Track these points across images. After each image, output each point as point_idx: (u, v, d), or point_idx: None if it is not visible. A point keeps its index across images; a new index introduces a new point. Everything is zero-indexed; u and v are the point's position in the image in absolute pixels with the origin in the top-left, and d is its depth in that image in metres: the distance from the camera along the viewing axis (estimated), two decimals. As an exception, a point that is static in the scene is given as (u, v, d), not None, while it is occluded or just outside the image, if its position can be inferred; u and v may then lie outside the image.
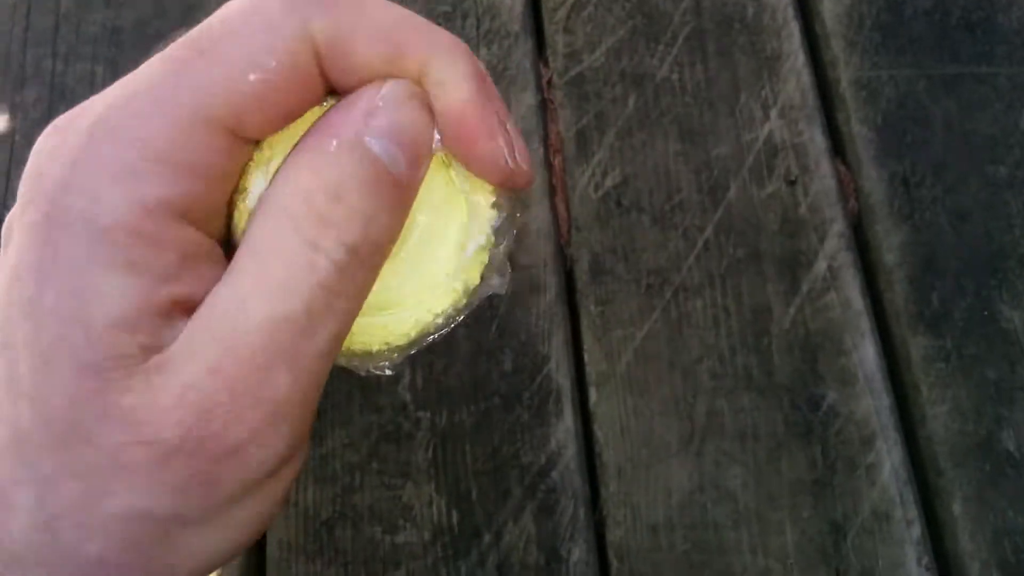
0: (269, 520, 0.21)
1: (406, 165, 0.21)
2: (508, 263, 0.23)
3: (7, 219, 0.20)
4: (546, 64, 0.54)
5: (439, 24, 0.52)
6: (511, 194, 0.23)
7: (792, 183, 0.50)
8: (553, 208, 0.49)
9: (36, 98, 0.49)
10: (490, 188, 0.23)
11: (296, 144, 0.21)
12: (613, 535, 0.42)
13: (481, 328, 0.46)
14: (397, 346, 0.22)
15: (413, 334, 0.22)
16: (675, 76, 0.53)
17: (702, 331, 0.46)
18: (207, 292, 0.20)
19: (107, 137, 0.19)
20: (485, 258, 0.22)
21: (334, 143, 0.20)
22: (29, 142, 0.48)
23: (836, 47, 0.55)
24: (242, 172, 0.21)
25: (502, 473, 0.43)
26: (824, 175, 0.50)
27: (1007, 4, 0.56)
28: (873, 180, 0.51)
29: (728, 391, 0.45)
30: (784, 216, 0.49)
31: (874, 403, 0.45)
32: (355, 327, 0.21)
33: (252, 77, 0.20)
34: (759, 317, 0.47)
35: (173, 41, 0.21)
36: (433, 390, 0.44)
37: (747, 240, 0.49)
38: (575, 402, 0.45)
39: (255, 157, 0.22)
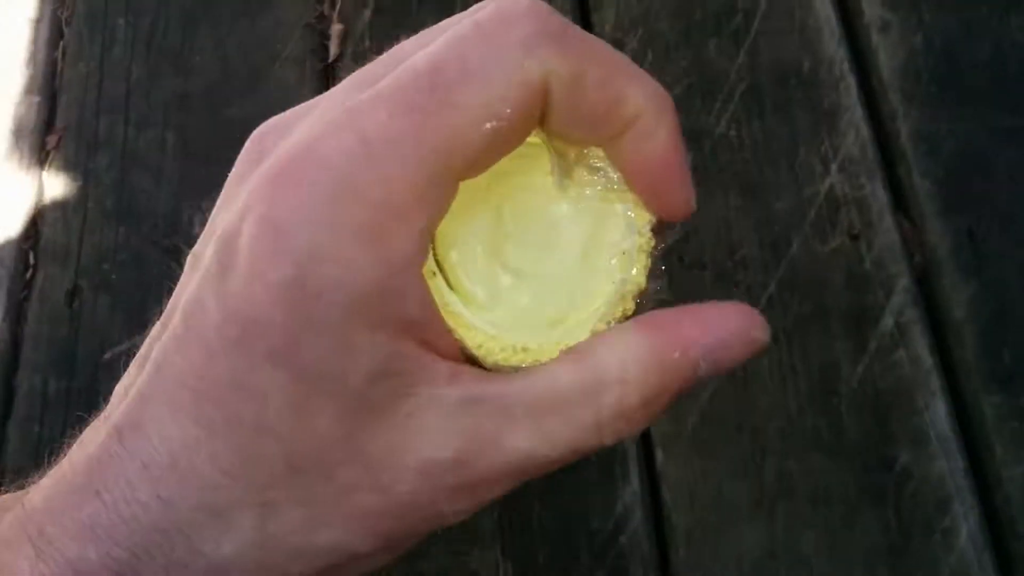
0: None
1: (703, 383, 0.22)
2: (662, 265, 0.23)
3: (225, 246, 0.20)
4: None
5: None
6: None
7: (855, 238, 0.50)
8: (614, 266, 0.49)
9: (108, 164, 0.51)
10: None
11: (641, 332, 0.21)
12: (684, 601, 0.42)
13: (545, 389, 0.45)
14: None
15: None
16: (732, 132, 0.53)
17: (769, 390, 0.46)
18: (443, 335, 0.21)
19: (355, 199, 0.19)
20: (647, 262, 0.22)
21: (677, 355, 0.21)
22: (101, 209, 0.49)
23: (894, 100, 0.54)
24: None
25: (570, 538, 0.42)
26: (887, 229, 0.50)
27: (1067, 54, 0.56)
28: (938, 234, 0.50)
29: (798, 452, 0.44)
30: (848, 271, 0.49)
31: (948, 465, 0.44)
32: (534, 346, 0.21)
33: (488, 126, 0.20)
34: (827, 375, 0.46)
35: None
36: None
37: (811, 296, 0.48)
38: (641, 464, 0.44)
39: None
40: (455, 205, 0.20)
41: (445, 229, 0.21)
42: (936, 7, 0.58)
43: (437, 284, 0.21)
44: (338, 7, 0.56)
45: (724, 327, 0.21)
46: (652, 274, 0.22)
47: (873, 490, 0.43)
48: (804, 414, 0.45)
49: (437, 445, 0.20)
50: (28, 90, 0.53)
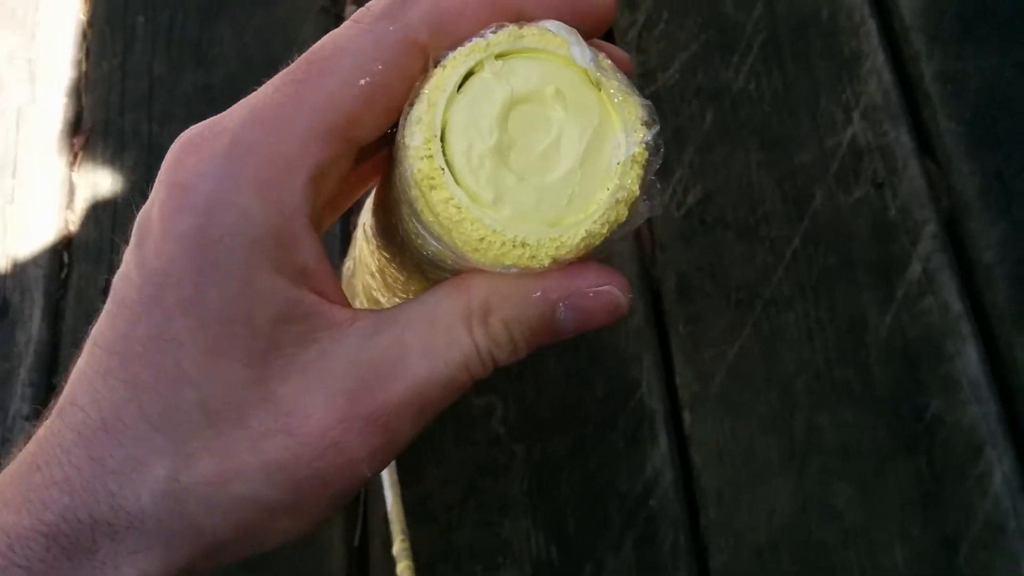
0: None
1: (570, 332, 0.24)
2: (657, 183, 0.24)
3: (142, 220, 0.22)
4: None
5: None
6: (656, 117, 0.24)
7: (880, 186, 0.49)
8: (636, 230, 0.49)
9: (135, 162, 0.52)
10: (641, 105, 0.24)
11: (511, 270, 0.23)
12: (716, 561, 0.42)
13: (570, 354, 0.46)
14: (567, 259, 0.23)
15: (583, 246, 0.23)
16: (752, 86, 0.53)
17: (796, 345, 0.46)
18: (337, 288, 0.23)
19: (246, 154, 0.21)
20: (640, 172, 0.24)
21: (538, 294, 0.23)
22: (130, 204, 0.51)
23: (917, 42, 0.53)
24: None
25: (600, 503, 0.43)
26: (913, 175, 0.49)
27: (1098, -19, 0.54)
28: (965, 176, 0.49)
29: (827, 406, 0.44)
30: (873, 221, 0.48)
31: (980, 410, 0.43)
32: (532, 241, 0.23)
33: (362, 82, 0.22)
34: (854, 327, 0.46)
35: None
36: (526, 421, 0.45)
37: (836, 248, 0.48)
38: (669, 426, 0.44)
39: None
40: (466, 112, 0.23)
41: (456, 131, 0.23)
42: (960, -58, 0.56)
43: (446, 179, 0.22)
44: (350, -12, 0.57)
45: (584, 279, 0.23)
46: (646, 188, 0.24)
47: (904, 439, 0.43)
48: (832, 367, 0.45)
49: (341, 380, 0.22)
50: (55, 92, 0.54)
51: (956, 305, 0.46)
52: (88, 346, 0.22)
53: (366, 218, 0.31)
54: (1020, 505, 0.42)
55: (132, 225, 0.23)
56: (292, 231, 0.22)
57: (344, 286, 0.36)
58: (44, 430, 0.22)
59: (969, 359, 0.45)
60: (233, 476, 0.21)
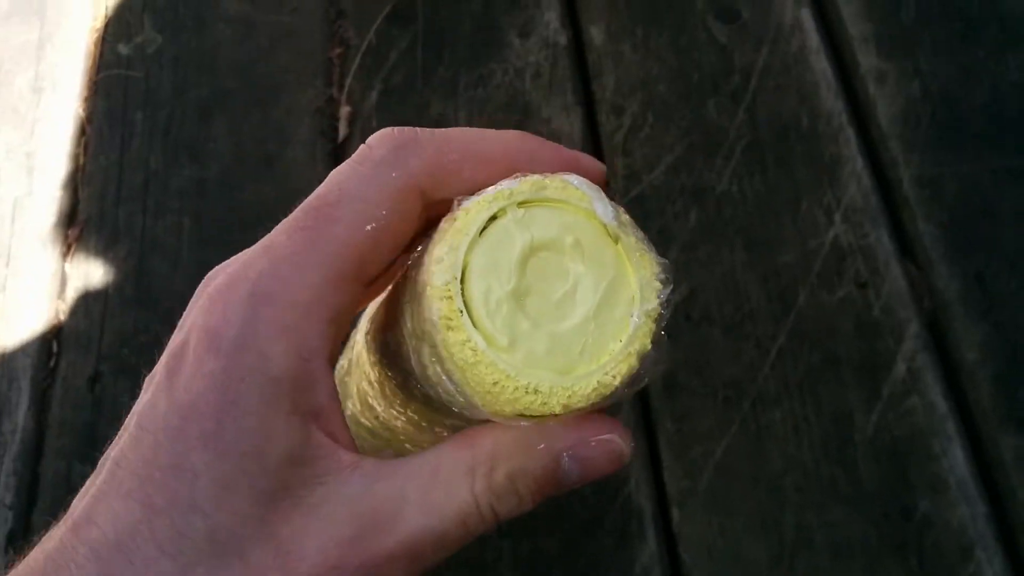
0: None
1: (573, 482, 0.25)
2: (666, 337, 0.24)
3: (173, 357, 0.24)
4: (608, 187, 0.55)
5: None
6: (671, 273, 0.25)
7: (862, 286, 0.50)
8: (623, 327, 0.50)
9: (128, 252, 0.53)
10: (657, 263, 0.25)
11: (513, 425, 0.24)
12: (707, 661, 0.41)
13: (559, 452, 0.46)
14: (577, 408, 0.23)
15: (594, 396, 0.23)
16: (735, 188, 0.54)
17: (783, 443, 0.46)
18: (345, 429, 0.24)
19: (266, 302, 0.23)
20: (653, 327, 0.24)
21: (542, 446, 0.24)
22: (122, 295, 0.51)
23: (894, 148, 0.55)
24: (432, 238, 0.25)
25: (589, 600, 0.42)
26: (895, 276, 0.50)
27: (1065, 91, 0.56)
28: (946, 278, 0.50)
29: (816, 504, 0.44)
30: (857, 320, 0.49)
31: (969, 510, 0.43)
32: (544, 388, 0.23)
33: (368, 228, 0.24)
34: (841, 425, 0.46)
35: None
36: (518, 521, 0.44)
37: (822, 346, 0.48)
38: (658, 523, 0.44)
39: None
40: (487, 256, 0.24)
41: (475, 274, 0.24)
42: (932, 53, 0.58)
43: (463, 321, 0.23)
44: (346, 90, 0.59)
45: (587, 430, 0.24)
46: (657, 342, 0.24)
47: (894, 540, 0.43)
48: (820, 465, 0.45)
49: (338, 527, 0.23)
50: (51, 185, 0.55)
51: (941, 405, 0.46)
52: (109, 465, 0.23)
53: (366, 326, 0.32)
54: (1012, 607, 0.41)
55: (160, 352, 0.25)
56: (310, 372, 0.23)
57: (338, 383, 0.36)
58: (54, 543, 0.23)
59: (956, 459, 0.45)
60: None
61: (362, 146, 0.25)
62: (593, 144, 0.56)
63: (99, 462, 0.24)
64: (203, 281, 0.26)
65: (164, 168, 0.56)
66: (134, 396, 0.47)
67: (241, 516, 0.22)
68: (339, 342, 0.25)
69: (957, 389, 0.47)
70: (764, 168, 0.55)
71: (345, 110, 0.57)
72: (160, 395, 0.23)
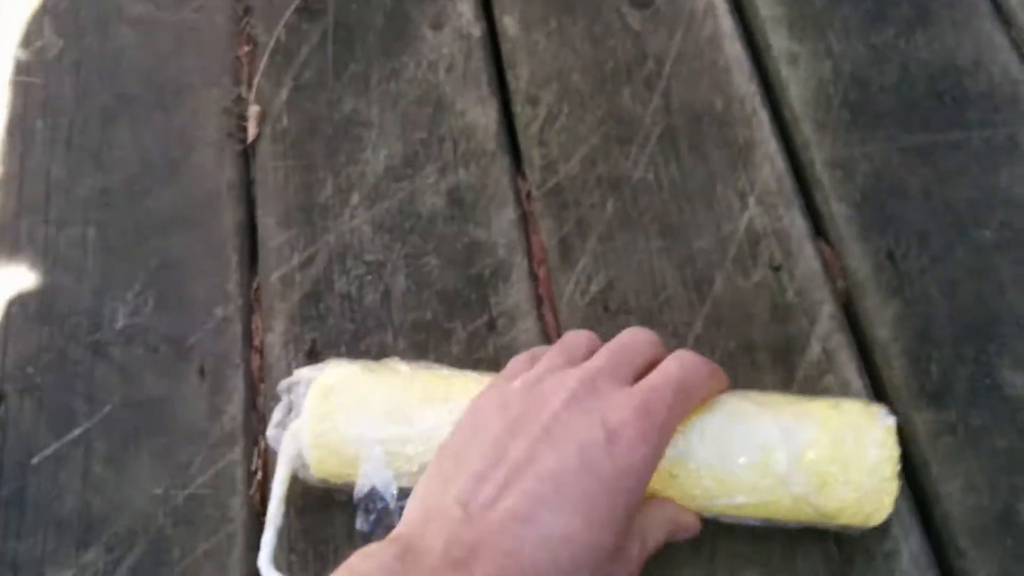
0: None
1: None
2: None
3: None
4: (524, 178, 0.55)
5: (419, 151, 0.53)
6: None
7: (777, 269, 0.50)
8: (541, 318, 0.50)
9: (30, 265, 0.51)
10: None
11: None
12: (632, 652, 0.41)
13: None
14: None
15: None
16: (651, 176, 0.54)
17: (702, 429, 0.46)
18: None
19: (661, 442, 0.37)
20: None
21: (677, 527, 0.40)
22: (24, 312, 0.50)
23: (807, 130, 0.55)
24: None
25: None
26: (808, 257, 0.51)
27: (973, 69, 0.57)
28: (858, 257, 0.51)
29: (735, 489, 0.44)
30: (772, 303, 0.49)
31: (885, 487, 0.44)
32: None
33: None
34: (758, 409, 0.46)
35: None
36: None
37: (738, 331, 0.48)
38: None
39: None
40: None
41: None
42: (843, 35, 0.59)
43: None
44: (254, 89, 0.57)
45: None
46: None
47: (812, 520, 0.43)
48: (738, 450, 0.45)
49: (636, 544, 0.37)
50: (-52, 200, 0.53)
51: (856, 382, 0.47)
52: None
53: None
54: (928, 581, 0.42)
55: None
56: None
57: None
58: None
59: (870, 436, 0.45)
60: None
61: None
62: (509, 136, 0.56)
63: None
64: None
65: (67, 177, 0.54)
66: (40, 416, 0.46)
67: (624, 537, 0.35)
68: None
69: (871, 366, 0.48)
70: (679, 155, 0.55)
71: (254, 109, 0.56)
72: (601, 449, 0.34)
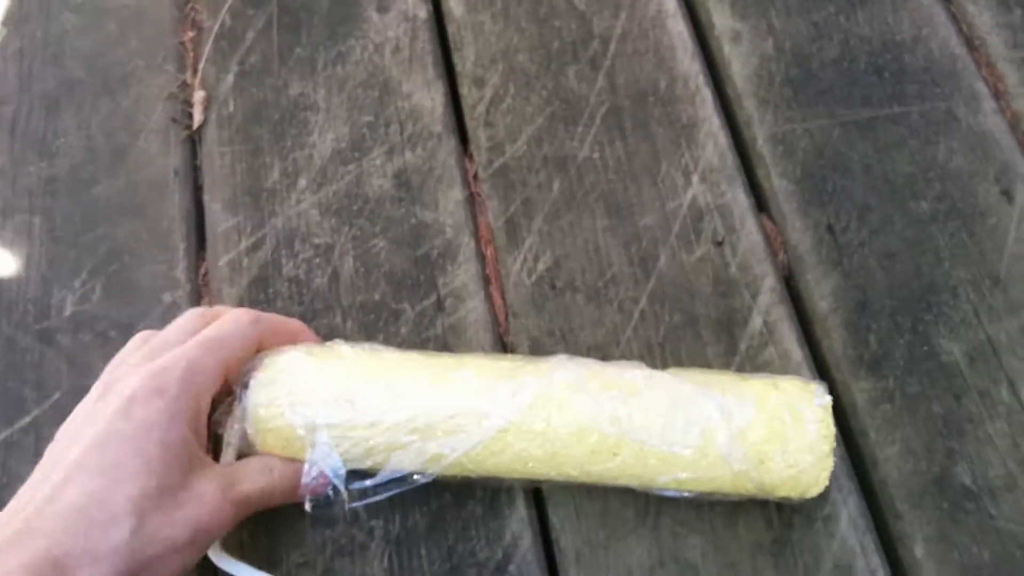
0: None
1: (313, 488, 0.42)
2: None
3: (123, 395, 0.38)
4: (471, 159, 0.55)
5: (366, 134, 0.53)
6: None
7: (720, 244, 0.51)
8: (489, 298, 0.50)
9: (-25, 255, 0.51)
10: None
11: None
12: (580, 621, 0.42)
13: (428, 428, 0.46)
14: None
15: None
16: (596, 155, 0.55)
17: (647, 402, 0.46)
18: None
19: (190, 377, 0.40)
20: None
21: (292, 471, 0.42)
22: (-32, 301, 0.49)
23: (749, 107, 0.56)
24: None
25: (460, 573, 0.43)
26: (750, 232, 0.51)
27: (912, 44, 0.58)
28: (799, 231, 0.52)
29: (678, 460, 0.45)
30: (715, 278, 0.50)
31: (823, 454, 0.45)
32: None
33: (237, 355, 0.41)
34: (701, 381, 0.47)
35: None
36: (383, 499, 0.44)
37: (681, 306, 0.49)
38: (527, 490, 0.45)
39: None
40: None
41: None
42: (785, 12, 0.60)
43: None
44: (200, 74, 0.57)
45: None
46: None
47: (753, 488, 0.44)
48: (682, 422, 0.46)
49: (218, 480, 0.39)
50: None
51: (796, 353, 0.48)
52: (69, 466, 0.37)
53: None
54: (867, 543, 0.43)
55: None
56: (201, 422, 0.40)
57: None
58: (32, 511, 0.36)
59: (810, 405, 0.46)
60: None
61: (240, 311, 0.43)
62: (455, 117, 0.56)
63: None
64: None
65: (11, 166, 0.54)
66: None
67: (172, 489, 0.37)
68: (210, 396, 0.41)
69: (811, 338, 0.49)
70: (624, 133, 0.55)
71: (199, 95, 0.56)
72: (115, 419, 0.37)
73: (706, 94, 0.57)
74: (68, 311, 0.49)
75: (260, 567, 0.42)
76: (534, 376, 0.40)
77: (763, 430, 0.40)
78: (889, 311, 0.49)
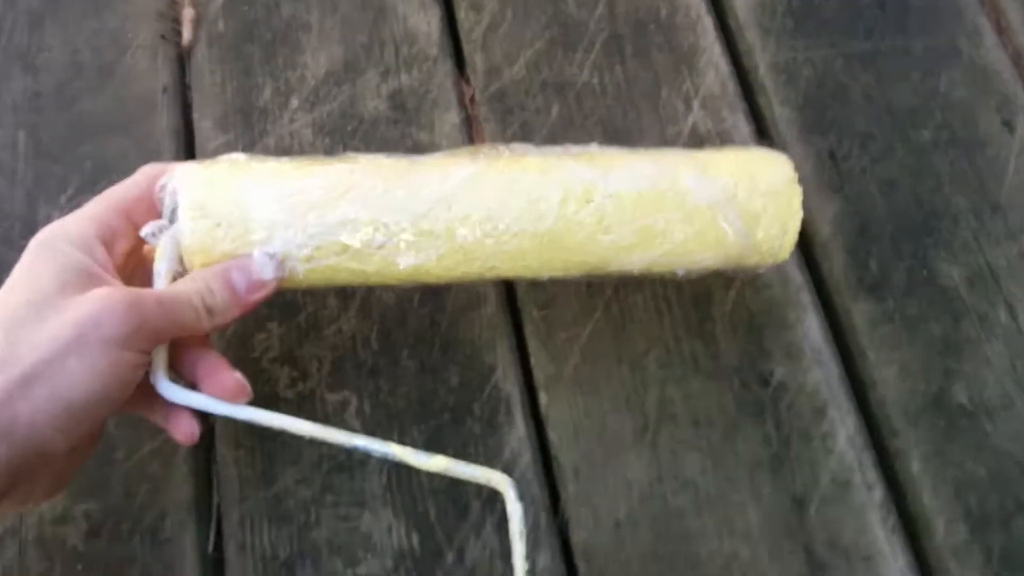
0: None
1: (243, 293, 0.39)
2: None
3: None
4: (468, 82, 0.54)
5: (360, 54, 0.52)
6: None
7: (720, 169, 0.50)
8: (486, 221, 0.49)
9: (-41, 169, 0.49)
10: None
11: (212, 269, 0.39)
12: (577, 537, 0.42)
13: (424, 346, 0.45)
14: None
15: None
16: (595, 81, 0.54)
17: (646, 323, 0.46)
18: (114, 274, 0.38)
19: (62, 226, 0.38)
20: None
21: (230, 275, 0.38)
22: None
23: (751, 36, 0.55)
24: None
25: (458, 490, 0.42)
26: (753, 157, 0.51)
27: (915, -22, 0.57)
28: (800, 157, 0.51)
29: (677, 379, 0.45)
30: (716, 202, 0.49)
31: (823, 373, 0.45)
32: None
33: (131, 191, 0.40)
34: (700, 303, 0.46)
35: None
36: (382, 414, 0.44)
37: (681, 230, 0.49)
38: (526, 408, 0.44)
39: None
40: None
41: None
42: (788, -56, 0.59)
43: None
44: (189, -7, 0.56)
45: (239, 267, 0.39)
46: None
47: (751, 406, 0.44)
48: (681, 342, 0.46)
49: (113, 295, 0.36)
50: None
51: (797, 277, 0.47)
52: None
53: None
54: (864, 460, 0.43)
55: None
56: (95, 240, 0.38)
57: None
58: None
59: (810, 326, 0.46)
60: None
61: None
62: (452, 41, 0.55)
63: None
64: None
65: (-6, 80, 0.52)
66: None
67: (50, 299, 0.35)
68: (116, 240, 0.39)
69: (811, 261, 0.48)
70: (623, 60, 0.54)
71: (188, 13, 0.55)
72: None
73: (707, 23, 0.56)
74: (55, 226, 0.48)
75: (257, 485, 0.42)
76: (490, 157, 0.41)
77: (734, 171, 0.41)
78: (890, 236, 0.49)
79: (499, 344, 0.46)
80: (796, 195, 0.41)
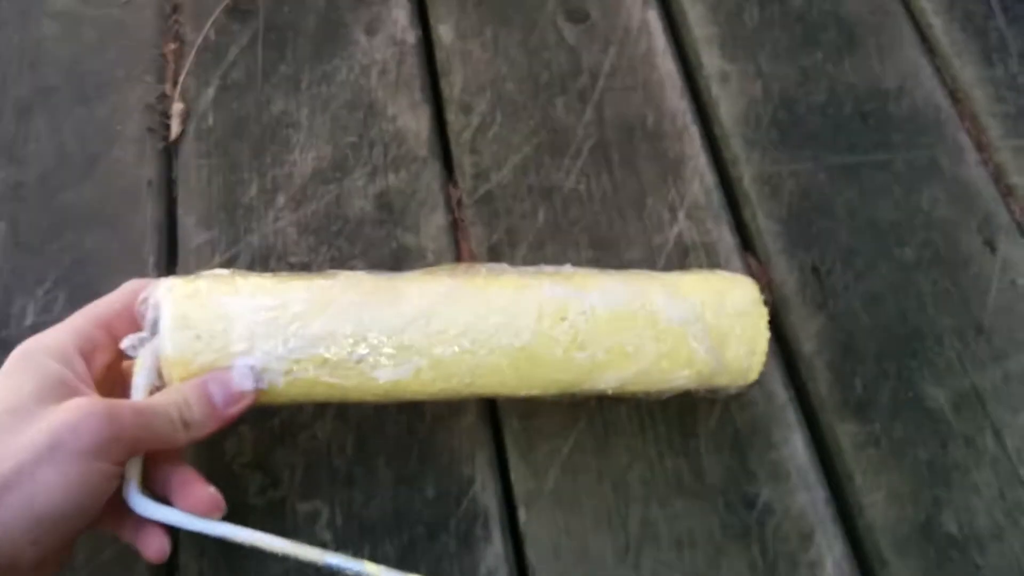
0: None
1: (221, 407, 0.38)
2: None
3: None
4: (455, 185, 0.54)
5: (348, 154, 0.52)
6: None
7: (706, 281, 0.50)
8: (469, 326, 0.49)
9: (-64, 260, 0.48)
10: None
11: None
12: (554, 663, 0.40)
13: (401, 454, 0.44)
14: None
15: None
16: (582, 187, 0.54)
17: (629, 437, 0.45)
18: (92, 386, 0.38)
19: (41, 339, 0.38)
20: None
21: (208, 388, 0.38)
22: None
23: (736, 146, 0.56)
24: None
25: (432, 610, 0.41)
26: (736, 271, 0.51)
27: (897, 94, 0.59)
28: (784, 272, 0.51)
29: (661, 498, 0.44)
30: (701, 314, 0.49)
31: (809, 496, 0.44)
32: None
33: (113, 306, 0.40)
34: (685, 418, 0.46)
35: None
36: (354, 526, 0.42)
37: (666, 342, 0.48)
38: (504, 524, 0.43)
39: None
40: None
41: None
42: (773, 56, 0.60)
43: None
44: (179, 87, 0.56)
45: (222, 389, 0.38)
46: None
47: (737, 529, 0.43)
48: (664, 458, 0.45)
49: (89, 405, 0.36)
50: None
51: (781, 394, 0.47)
52: None
53: None
54: (850, 590, 0.42)
55: None
56: (73, 354, 0.38)
57: None
58: None
59: (795, 446, 0.45)
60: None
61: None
62: (441, 142, 0.55)
63: None
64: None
65: (-23, 169, 0.52)
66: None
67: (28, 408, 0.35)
68: (96, 353, 0.39)
69: (796, 379, 0.48)
70: (610, 167, 0.55)
71: (178, 107, 0.55)
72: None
73: (693, 132, 0.56)
74: (29, 320, 0.47)
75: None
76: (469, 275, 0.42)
77: (700, 288, 0.42)
78: (874, 355, 0.48)
79: (478, 455, 0.45)
80: (762, 316, 0.42)
